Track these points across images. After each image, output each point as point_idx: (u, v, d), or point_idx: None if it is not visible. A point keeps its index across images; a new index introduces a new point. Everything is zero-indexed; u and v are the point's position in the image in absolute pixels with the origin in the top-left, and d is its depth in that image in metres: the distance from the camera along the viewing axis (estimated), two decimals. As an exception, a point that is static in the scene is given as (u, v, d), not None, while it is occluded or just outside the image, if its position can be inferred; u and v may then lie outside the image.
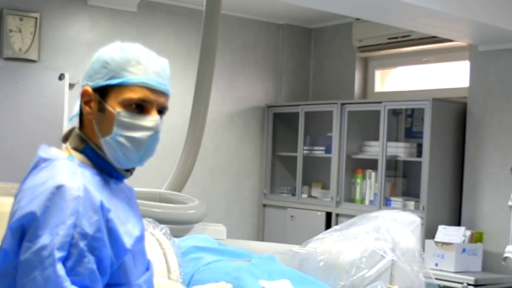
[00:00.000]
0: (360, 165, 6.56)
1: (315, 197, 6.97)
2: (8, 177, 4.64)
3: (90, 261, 1.59)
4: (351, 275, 3.45)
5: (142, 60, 1.77)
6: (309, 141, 7.05)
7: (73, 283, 1.56)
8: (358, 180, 6.54)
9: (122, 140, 1.74)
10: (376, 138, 6.31)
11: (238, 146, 7.28)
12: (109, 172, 1.79)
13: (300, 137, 7.00)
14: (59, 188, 1.60)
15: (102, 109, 1.75)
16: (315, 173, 7.12)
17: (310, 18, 7.32)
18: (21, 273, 1.56)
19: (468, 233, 5.58)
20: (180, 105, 6.14)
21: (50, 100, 6.05)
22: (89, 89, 1.76)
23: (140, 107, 1.75)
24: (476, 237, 5.64)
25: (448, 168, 5.96)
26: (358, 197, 6.55)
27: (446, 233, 5.61)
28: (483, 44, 5.75)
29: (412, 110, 6.42)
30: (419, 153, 6.07)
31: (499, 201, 5.64)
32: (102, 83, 1.75)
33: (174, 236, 3.27)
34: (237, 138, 7.27)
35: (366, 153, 6.52)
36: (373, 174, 6.39)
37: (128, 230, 1.74)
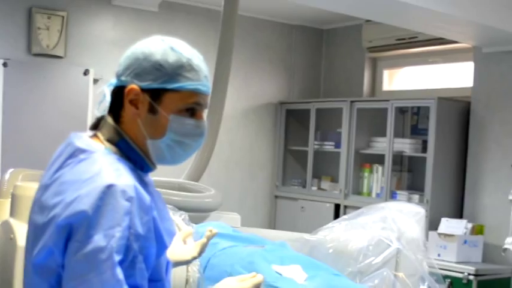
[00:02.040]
0: (367, 160, 6.57)
1: (324, 190, 6.99)
2: (32, 166, 4.70)
3: (140, 261, 1.52)
4: (358, 261, 3.47)
5: (195, 65, 1.66)
6: (320, 137, 7.06)
7: (127, 284, 1.48)
8: (366, 174, 6.56)
9: (173, 144, 1.67)
10: (383, 135, 6.33)
11: (252, 140, 7.31)
12: (140, 166, 1.69)
13: (311, 132, 7.02)
14: (110, 188, 1.49)
15: (153, 111, 1.64)
16: (325, 167, 7.14)
17: (322, 19, 7.34)
18: (71, 275, 1.47)
19: (470, 225, 5.59)
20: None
21: (75, 94, 6.11)
22: (138, 89, 1.62)
23: (191, 111, 1.67)
24: (477, 230, 5.65)
25: (451, 163, 5.96)
26: (365, 190, 6.57)
27: (449, 225, 5.62)
28: (487, 46, 5.75)
29: (418, 108, 6.43)
30: (424, 149, 6.08)
31: (499, 196, 5.65)
32: (155, 85, 1.63)
33: (192, 223, 3.31)
34: (251, 132, 7.30)
35: (374, 149, 6.53)
36: (380, 168, 6.41)
37: (166, 227, 1.66)
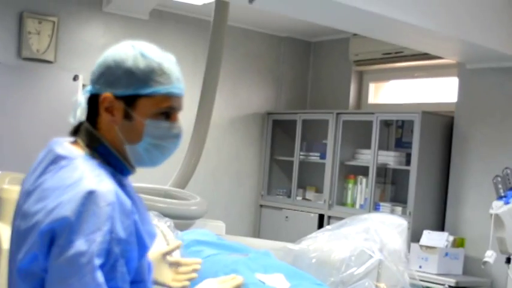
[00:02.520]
0: (352, 171, 6.58)
1: (308, 200, 7.00)
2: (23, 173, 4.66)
3: (122, 264, 1.53)
4: (340, 272, 3.47)
5: (166, 68, 1.67)
6: (305, 147, 7.08)
7: (108, 287, 1.50)
8: (350, 185, 6.57)
9: (150, 148, 1.68)
10: (368, 147, 6.35)
11: (239, 149, 7.31)
12: (120, 170, 1.70)
13: (297, 143, 7.03)
14: (91, 194, 1.50)
15: (128, 117, 1.65)
16: (310, 177, 7.15)
17: (310, 32, 7.36)
18: (54, 279, 1.48)
19: (451, 238, 5.61)
20: (185, 108, 6.16)
21: (64, 99, 6.05)
22: (111, 96, 1.63)
23: (166, 114, 1.69)
24: (458, 243, 5.68)
25: (434, 177, 5.99)
26: (349, 201, 6.58)
27: (431, 237, 5.64)
28: (471, 62, 5.79)
29: (403, 121, 6.45)
30: (407, 162, 6.10)
31: (480, 210, 5.65)
32: (129, 92, 1.64)
33: (177, 230, 3.30)
34: (238, 141, 7.30)
35: (358, 160, 6.55)
36: (364, 180, 6.42)
37: (147, 230, 1.68)
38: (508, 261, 4.59)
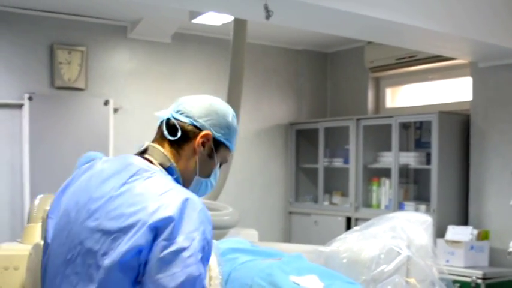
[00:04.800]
0: (375, 174, 6.57)
1: (335, 204, 6.99)
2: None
3: (208, 260, 1.74)
4: (371, 270, 3.46)
5: (237, 131, 2.04)
6: (329, 154, 7.08)
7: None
8: (374, 188, 6.56)
9: (209, 184, 2.00)
10: (389, 149, 6.34)
11: (266, 160, 7.33)
12: None
13: (320, 150, 7.04)
14: (188, 200, 1.71)
15: (211, 156, 1.96)
16: (335, 182, 7.14)
17: (325, 43, 7.38)
18: (158, 269, 1.65)
19: (475, 231, 5.57)
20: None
21: (96, 123, 6.16)
22: (211, 135, 1.94)
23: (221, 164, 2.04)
24: (483, 235, 5.63)
25: (454, 174, 5.95)
26: (374, 202, 6.56)
27: (455, 232, 5.60)
28: (483, 60, 5.76)
29: (421, 122, 6.43)
30: (428, 162, 6.07)
31: (501, 202, 5.63)
32: (221, 138, 1.96)
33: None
34: (264, 153, 7.32)
35: (380, 163, 6.53)
36: (387, 181, 6.41)
37: None
38: (532, 250, 4.55)
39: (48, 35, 6.03)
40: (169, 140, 1.93)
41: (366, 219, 6.12)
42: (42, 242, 2.81)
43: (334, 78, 7.63)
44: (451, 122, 5.94)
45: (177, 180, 1.87)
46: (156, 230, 1.67)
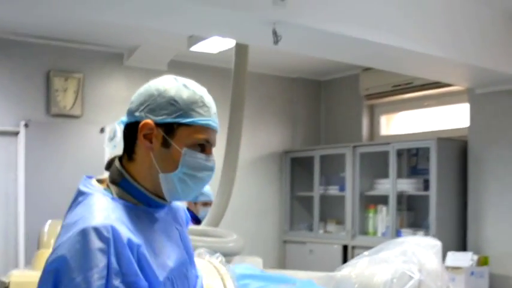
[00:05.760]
0: (371, 201, 6.54)
1: (329, 232, 6.95)
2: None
3: None
4: (384, 294, 3.44)
5: (206, 101, 1.67)
6: (324, 181, 7.05)
7: None
8: (371, 215, 6.53)
9: (185, 178, 1.64)
10: (385, 176, 6.33)
11: (260, 188, 7.29)
12: (147, 203, 1.66)
13: (316, 178, 7.01)
14: (84, 231, 1.46)
15: (166, 145, 1.62)
16: (330, 210, 7.11)
17: (319, 71, 7.41)
18: None
19: (475, 257, 5.55)
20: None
21: (92, 151, 6.08)
22: (152, 123, 1.61)
23: (202, 147, 1.65)
24: (482, 261, 5.61)
25: (453, 199, 5.94)
26: (371, 229, 6.52)
27: (455, 258, 5.58)
28: (480, 87, 5.79)
29: (417, 149, 6.42)
30: (425, 188, 6.07)
31: (500, 228, 5.64)
32: (169, 119, 1.61)
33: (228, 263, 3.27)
34: (259, 181, 7.28)
35: (377, 190, 6.51)
36: (384, 208, 6.39)
37: (161, 262, 1.61)
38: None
39: (44, 62, 5.98)
40: (124, 150, 1.67)
41: (363, 247, 6.15)
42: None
43: (328, 106, 7.64)
44: (449, 148, 5.95)
45: (137, 192, 1.63)
46: (55, 273, 1.45)
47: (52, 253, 1.48)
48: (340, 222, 6.89)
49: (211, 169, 1.68)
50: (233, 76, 5.11)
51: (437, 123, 6.60)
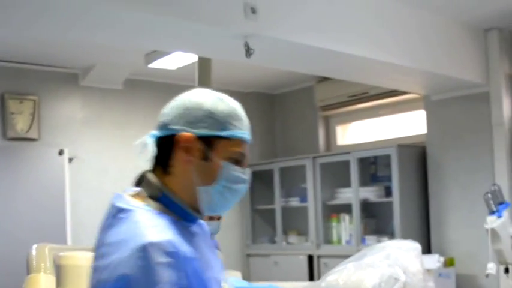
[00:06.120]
0: (333, 210, 6.60)
1: (291, 243, 6.97)
2: (18, 248, 4.48)
3: None
4: (372, 299, 3.48)
5: (241, 115, 1.66)
6: (284, 194, 7.08)
7: None
8: (334, 224, 6.58)
9: (223, 190, 1.61)
10: (346, 185, 6.40)
11: (221, 203, 7.25)
12: (184, 217, 1.62)
13: (277, 190, 7.03)
14: (147, 247, 1.42)
15: (206, 158, 1.59)
16: (291, 222, 7.13)
17: (272, 85, 7.46)
18: None
19: (442, 259, 5.67)
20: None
21: (51, 174, 5.96)
22: (191, 136, 1.58)
23: (236, 159, 1.63)
24: (449, 262, 5.74)
25: (415, 204, 6.05)
26: (335, 238, 6.57)
27: (423, 260, 5.67)
28: (435, 94, 5.94)
29: (375, 157, 6.52)
30: (387, 195, 6.17)
31: (462, 229, 5.78)
32: (209, 132, 1.58)
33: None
34: (219, 196, 7.24)
35: (338, 199, 6.57)
36: (346, 217, 6.45)
37: (212, 275, 1.61)
38: (506, 270, 4.66)
39: (-2, 84, 5.84)
40: (158, 164, 1.63)
41: (328, 256, 6.22)
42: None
43: (283, 119, 7.69)
44: (409, 154, 6.07)
45: (175, 208, 1.60)
46: None
47: (111, 272, 1.43)
48: (302, 233, 6.93)
49: (247, 182, 1.67)
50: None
51: (394, 131, 6.71)
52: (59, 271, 2.67)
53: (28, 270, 3.07)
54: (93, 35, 4.05)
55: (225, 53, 4.43)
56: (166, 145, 1.61)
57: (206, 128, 1.58)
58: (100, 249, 1.52)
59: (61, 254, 2.83)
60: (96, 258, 1.52)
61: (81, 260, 2.64)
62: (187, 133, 1.57)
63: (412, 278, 3.71)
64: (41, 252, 3.15)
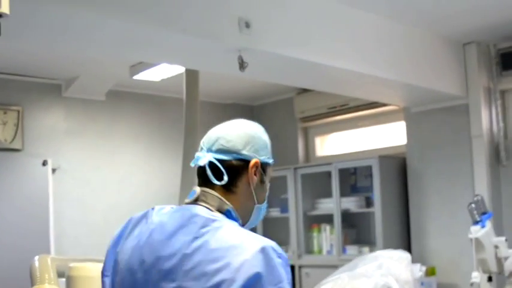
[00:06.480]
0: (314, 221, 6.66)
1: (272, 254, 7.00)
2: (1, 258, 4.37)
3: None
4: (368, 307, 3.55)
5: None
6: (265, 204, 7.11)
7: None
8: (315, 234, 6.64)
9: (263, 208, 1.92)
10: (327, 196, 6.48)
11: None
12: None
13: (257, 201, 7.05)
14: (267, 249, 1.63)
15: (262, 181, 1.87)
16: (272, 232, 7.15)
17: (252, 96, 7.52)
18: None
19: (423, 268, 5.77)
20: (145, 181, 6.21)
21: (35, 184, 5.93)
22: (259, 162, 1.84)
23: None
24: (430, 271, 5.84)
25: (396, 214, 6.14)
26: (316, 248, 6.64)
27: (404, 270, 5.77)
28: (415, 106, 6.06)
29: (355, 168, 6.60)
30: (368, 205, 6.25)
31: (443, 239, 5.87)
32: (267, 160, 1.88)
33: None
34: (200, 206, 7.26)
35: (319, 210, 6.64)
36: (327, 227, 6.52)
37: None
38: (489, 279, 4.78)
39: (-19, 95, 5.80)
40: (219, 182, 1.81)
41: (309, 266, 6.27)
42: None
43: (262, 130, 7.73)
44: (389, 165, 6.16)
45: (235, 221, 1.78)
46: None
47: (236, 271, 1.58)
48: (283, 243, 6.96)
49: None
50: (185, 102, 5.14)
51: (374, 142, 6.81)
52: (70, 282, 2.69)
53: (32, 282, 3.07)
54: (79, 47, 4.06)
55: (217, 66, 4.48)
56: (236, 167, 1.83)
57: (265, 156, 1.87)
58: (197, 255, 1.63)
59: (71, 265, 2.84)
60: (195, 263, 1.62)
61: (92, 271, 2.66)
62: (257, 159, 1.84)
63: (404, 287, 3.81)
64: (44, 263, 3.16)
